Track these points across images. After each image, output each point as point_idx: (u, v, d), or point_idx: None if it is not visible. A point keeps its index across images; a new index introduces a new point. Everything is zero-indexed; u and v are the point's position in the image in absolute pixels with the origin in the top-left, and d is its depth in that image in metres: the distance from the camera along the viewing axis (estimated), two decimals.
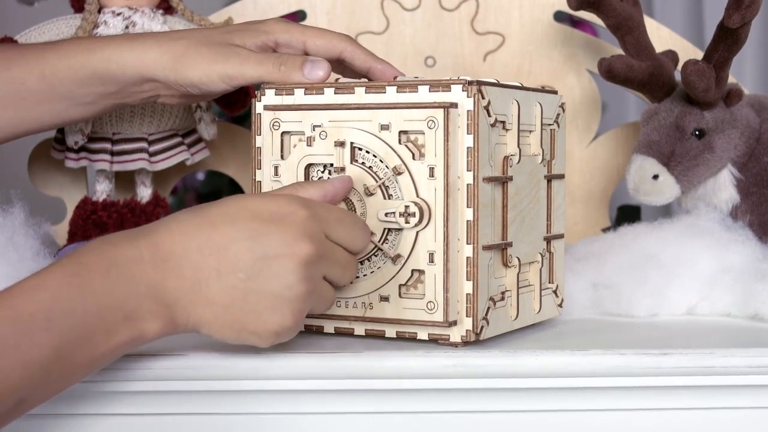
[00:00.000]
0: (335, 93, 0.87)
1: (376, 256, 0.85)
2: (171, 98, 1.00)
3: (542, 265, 0.93)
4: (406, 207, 0.83)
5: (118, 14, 1.13)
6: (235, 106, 1.11)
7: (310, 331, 0.88)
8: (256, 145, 0.89)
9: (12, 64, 0.98)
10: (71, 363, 0.71)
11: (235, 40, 0.96)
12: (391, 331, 0.86)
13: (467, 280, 0.83)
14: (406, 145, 0.84)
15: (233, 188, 2.36)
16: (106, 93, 0.99)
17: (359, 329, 0.87)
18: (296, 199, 0.79)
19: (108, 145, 1.15)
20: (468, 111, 0.83)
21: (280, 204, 0.77)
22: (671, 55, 1.16)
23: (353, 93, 0.86)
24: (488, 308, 0.85)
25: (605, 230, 1.25)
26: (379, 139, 0.85)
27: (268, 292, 0.76)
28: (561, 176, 0.95)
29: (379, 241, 0.85)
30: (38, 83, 0.98)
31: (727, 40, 1.04)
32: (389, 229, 0.85)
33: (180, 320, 0.76)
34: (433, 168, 0.83)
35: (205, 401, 0.83)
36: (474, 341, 0.84)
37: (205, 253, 0.75)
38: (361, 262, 0.86)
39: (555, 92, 0.95)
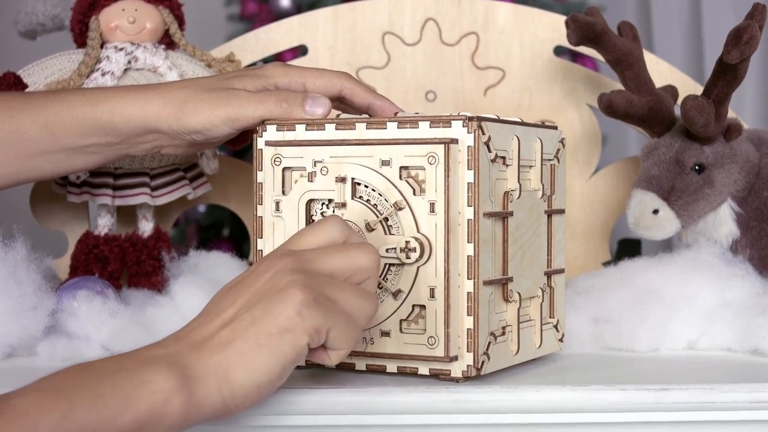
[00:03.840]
0: (336, 129, 0.87)
1: (377, 291, 0.85)
2: (176, 148, 1.00)
3: (543, 300, 0.93)
4: (407, 242, 0.84)
5: (121, 49, 1.14)
6: (237, 141, 1.11)
7: (311, 366, 0.88)
8: (258, 181, 0.90)
9: (15, 113, 0.99)
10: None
11: (236, 84, 0.96)
12: (392, 367, 0.86)
13: (468, 315, 0.83)
14: (407, 181, 0.84)
15: (234, 221, 2.37)
16: (108, 144, 0.99)
17: (360, 364, 0.87)
18: None
19: (110, 180, 1.16)
20: (468, 147, 0.83)
21: (254, 265, 0.80)
22: (671, 90, 1.16)
23: (354, 129, 0.87)
24: (489, 343, 0.85)
25: (606, 264, 1.26)
26: (380, 174, 0.85)
27: (268, 300, 0.75)
28: (561, 211, 0.95)
29: (380, 276, 0.85)
30: (41, 133, 0.98)
31: (726, 76, 1.04)
32: (390, 265, 0.85)
33: (208, 382, 0.72)
34: (433, 203, 0.83)
35: None
36: (475, 376, 0.84)
37: (208, 321, 0.75)
38: None
39: (555, 128, 0.95)
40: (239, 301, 0.76)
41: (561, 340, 0.96)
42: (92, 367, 0.71)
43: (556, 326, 0.95)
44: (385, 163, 0.85)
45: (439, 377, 0.85)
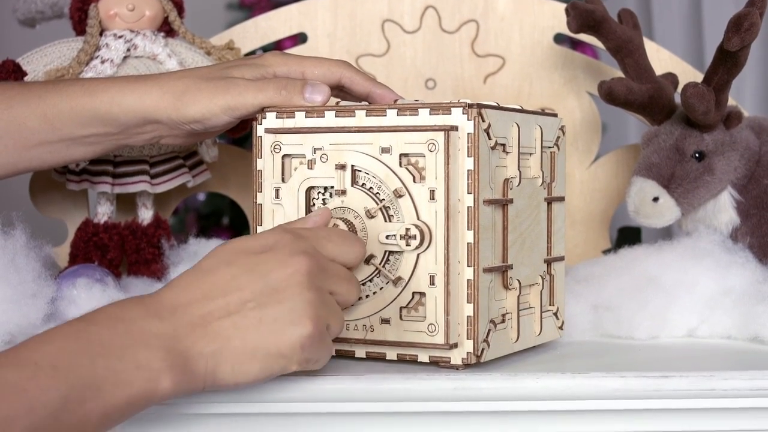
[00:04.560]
0: (336, 116, 0.87)
1: (377, 278, 0.86)
2: (175, 138, 1.00)
3: (543, 288, 0.93)
4: (407, 229, 0.84)
5: (120, 37, 1.14)
6: (237, 129, 1.11)
7: None
8: (257, 168, 0.90)
9: (13, 103, 0.99)
10: (82, 413, 0.69)
11: (234, 73, 0.96)
12: (392, 354, 0.86)
13: (468, 302, 0.83)
14: (407, 168, 0.84)
15: (234, 209, 2.37)
16: (107, 134, 0.99)
17: (360, 352, 0.87)
18: (279, 228, 0.82)
19: (109, 168, 1.16)
20: (468, 134, 0.83)
21: (266, 236, 0.79)
22: (671, 78, 1.16)
23: (354, 116, 0.87)
24: (489, 331, 0.85)
25: (606, 252, 1.26)
26: (380, 161, 0.85)
27: (281, 311, 0.76)
28: (561, 199, 0.95)
29: (380, 264, 0.85)
30: (39, 123, 0.98)
31: (726, 63, 1.04)
32: (390, 252, 0.85)
33: (197, 368, 0.74)
34: (433, 191, 0.83)
35: (204, 424, 0.83)
36: (475, 364, 0.84)
37: (211, 297, 0.75)
38: (362, 284, 0.86)
39: (555, 115, 0.95)
40: (249, 289, 0.76)
41: (561, 327, 0.96)
42: (86, 337, 0.71)
43: (555, 314, 0.95)
44: (385, 150, 0.85)
45: (438, 364, 0.85)
